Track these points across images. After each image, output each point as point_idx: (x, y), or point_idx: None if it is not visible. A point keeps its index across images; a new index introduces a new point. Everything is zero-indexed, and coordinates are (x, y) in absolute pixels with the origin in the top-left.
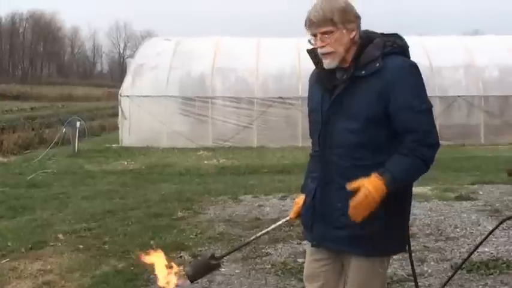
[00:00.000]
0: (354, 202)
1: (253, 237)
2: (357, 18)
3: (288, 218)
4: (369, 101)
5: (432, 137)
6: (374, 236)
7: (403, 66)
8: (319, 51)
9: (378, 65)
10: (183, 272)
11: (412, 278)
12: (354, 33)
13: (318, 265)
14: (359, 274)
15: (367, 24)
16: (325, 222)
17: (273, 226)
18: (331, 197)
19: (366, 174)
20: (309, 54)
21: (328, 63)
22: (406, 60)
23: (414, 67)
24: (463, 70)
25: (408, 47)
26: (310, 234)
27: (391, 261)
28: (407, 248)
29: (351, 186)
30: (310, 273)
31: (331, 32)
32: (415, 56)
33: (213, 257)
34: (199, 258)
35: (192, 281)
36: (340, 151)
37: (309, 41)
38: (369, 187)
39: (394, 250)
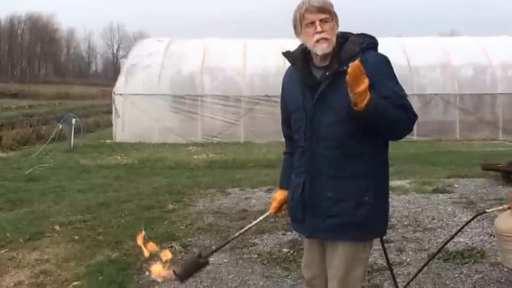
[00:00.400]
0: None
1: (237, 233)
2: (337, 17)
3: (267, 214)
4: None
5: (413, 118)
6: (363, 221)
7: (381, 59)
8: (317, 36)
9: (359, 59)
10: (173, 273)
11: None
12: (337, 30)
13: (313, 255)
14: (345, 258)
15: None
16: (316, 213)
17: (254, 222)
18: (321, 188)
19: (356, 162)
20: (285, 56)
21: (324, 48)
22: (381, 54)
23: (388, 60)
24: (439, 69)
25: (378, 43)
26: (302, 227)
27: (371, 250)
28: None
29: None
30: (307, 262)
31: (328, 20)
32: (394, 55)
33: (200, 255)
34: (187, 258)
35: (182, 281)
36: (328, 143)
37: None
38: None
39: (379, 233)
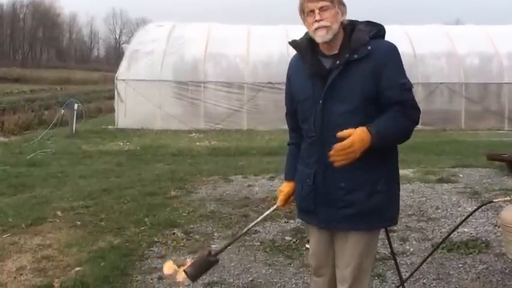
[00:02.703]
0: (338, 146)
1: (246, 229)
2: (345, 5)
3: (275, 207)
4: (363, 82)
5: (417, 114)
6: (376, 210)
7: (391, 49)
8: (316, 25)
9: (369, 48)
10: (184, 273)
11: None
12: (343, 16)
13: (320, 245)
14: (358, 247)
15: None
16: (329, 204)
17: (262, 216)
18: (334, 178)
19: (367, 151)
20: (292, 46)
21: (322, 35)
22: (391, 43)
23: (397, 49)
24: (444, 58)
25: (385, 31)
26: (314, 217)
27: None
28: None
29: (341, 133)
30: (314, 252)
31: (328, 8)
32: (399, 44)
33: (210, 254)
34: (197, 257)
35: (193, 280)
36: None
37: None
38: (355, 137)
39: (392, 222)
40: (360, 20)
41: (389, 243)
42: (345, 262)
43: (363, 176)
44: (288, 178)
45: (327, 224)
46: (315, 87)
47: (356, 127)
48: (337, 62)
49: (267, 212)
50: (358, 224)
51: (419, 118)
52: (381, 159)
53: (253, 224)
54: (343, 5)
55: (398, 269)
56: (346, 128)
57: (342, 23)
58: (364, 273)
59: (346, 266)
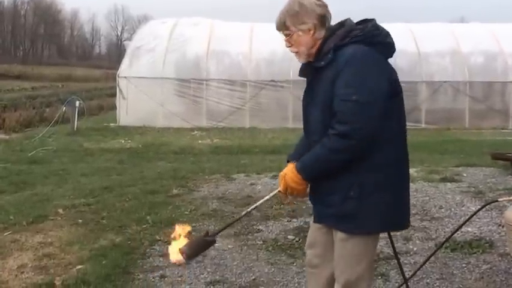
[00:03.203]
0: (280, 193)
1: (245, 211)
2: (318, 17)
3: (276, 191)
4: (325, 89)
5: (346, 128)
6: (352, 215)
7: (351, 56)
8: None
9: (329, 56)
10: (179, 251)
11: (398, 255)
12: (311, 32)
13: (317, 234)
14: (342, 251)
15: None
16: (319, 201)
17: (263, 199)
18: (318, 180)
19: None
20: None
21: (298, 60)
22: (359, 50)
23: (363, 56)
24: (449, 56)
25: (377, 33)
26: (314, 212)
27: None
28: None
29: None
30: (311, 241)
31: (289, 34)
32: (403, 42)
33: (207, 234)
34: (193, 237)
35: (189, 259)
36: (315, 137)
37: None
38: (287, 179)
39: (370, 229)
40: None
41: (392, 242)
42: (335, 261)
43: (337, 182)
44: (288, 159)
45: (319, 219)
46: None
47: (324, 132)
48: (311, 69)
49: (268, 196)
50: (338, 224)
51: (340, 148)
52: (354, 165)
53: (253, 207)
54: (306, 23)
55: (401, 269)
56: (317, 134)
57: (314, 36)
58: (356, 277)
59: (336, 265)
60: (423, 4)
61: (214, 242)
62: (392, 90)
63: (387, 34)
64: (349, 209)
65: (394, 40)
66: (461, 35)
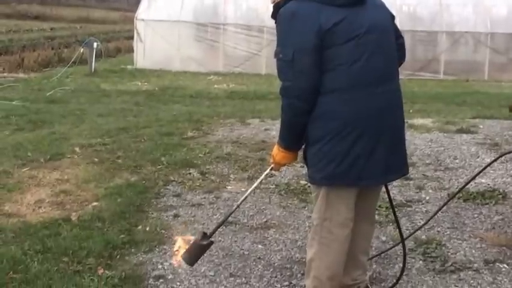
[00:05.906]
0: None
1: (239, 201)
2: None
3: (268, 170)
4: None
5: (281, 87)
6: (309, 162)
7: (279, 15)
8: None
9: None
10: (181, 259)
11: (410, 204)
12: None
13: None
14: (316, 198)
15: None
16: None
17: (257, 182)
18: None
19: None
20: None
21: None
22: (287, 7)
23: (286, 13)
24: (471, 6)
25: None
26: None
27: (389, 186)
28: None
29: None
30: None
31: None
32: None
33: (205, 235)
34: (191, 242)
35: (191, 265)
36: None
37: None
38: (273, 150)
39: (313, 179)
40: None
41: (389, 196)
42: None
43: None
44: None
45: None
46: None
47: None
48: None
49: (260, 179)
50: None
51: (286, 105)
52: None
53: (245, 196)
54: None
55: (397, 222)
56: None
57: None
58: (319, 229)
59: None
60: None
61: (211, 243)
62: (325, 41)
63: None
64: (307, 156)
65: None
66: None
